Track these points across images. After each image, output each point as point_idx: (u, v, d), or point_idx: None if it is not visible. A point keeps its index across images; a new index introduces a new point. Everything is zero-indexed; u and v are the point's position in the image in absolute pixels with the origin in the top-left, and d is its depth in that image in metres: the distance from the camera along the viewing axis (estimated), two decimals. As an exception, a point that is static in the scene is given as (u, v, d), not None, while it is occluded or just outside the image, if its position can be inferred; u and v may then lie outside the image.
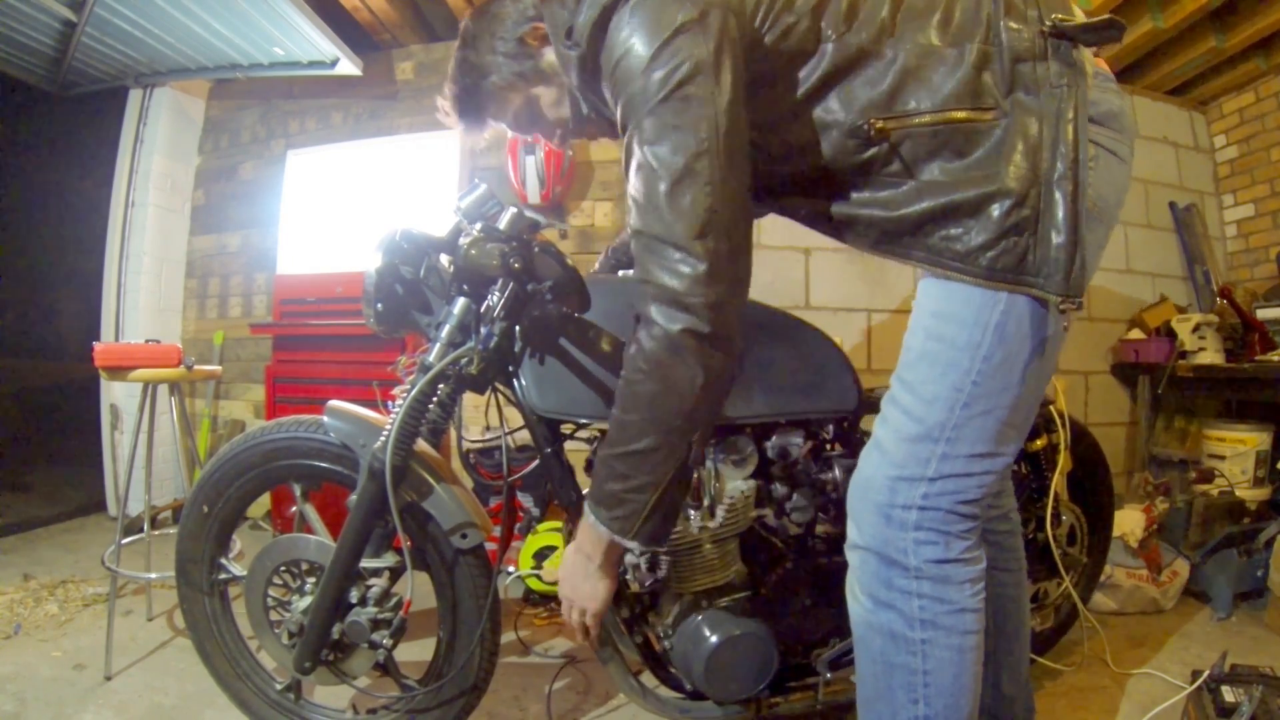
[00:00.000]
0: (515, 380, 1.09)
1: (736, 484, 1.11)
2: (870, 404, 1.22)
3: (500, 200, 1.10)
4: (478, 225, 1.06)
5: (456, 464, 2.03)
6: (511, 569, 2.08)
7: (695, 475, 0.92)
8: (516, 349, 1.07)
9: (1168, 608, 2.02)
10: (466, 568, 1.13)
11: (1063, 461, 1.43)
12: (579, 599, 1.01)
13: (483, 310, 1.03)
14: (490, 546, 1.30)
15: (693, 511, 1.10)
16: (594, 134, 1.11)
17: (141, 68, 3.00)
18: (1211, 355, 2.61)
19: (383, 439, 1.04)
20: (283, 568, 1.18)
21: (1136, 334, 2.93)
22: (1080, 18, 0.85)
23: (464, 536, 1.11)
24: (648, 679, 1.19)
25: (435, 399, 1.10)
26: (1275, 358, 2.42)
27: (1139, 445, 2.91)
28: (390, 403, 1.08)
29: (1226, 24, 2.68)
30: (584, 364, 1.07)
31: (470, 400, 1.21)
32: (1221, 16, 2.65)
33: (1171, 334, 2.75)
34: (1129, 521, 2.00)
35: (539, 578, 2.03)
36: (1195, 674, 1.43)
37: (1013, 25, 0.83)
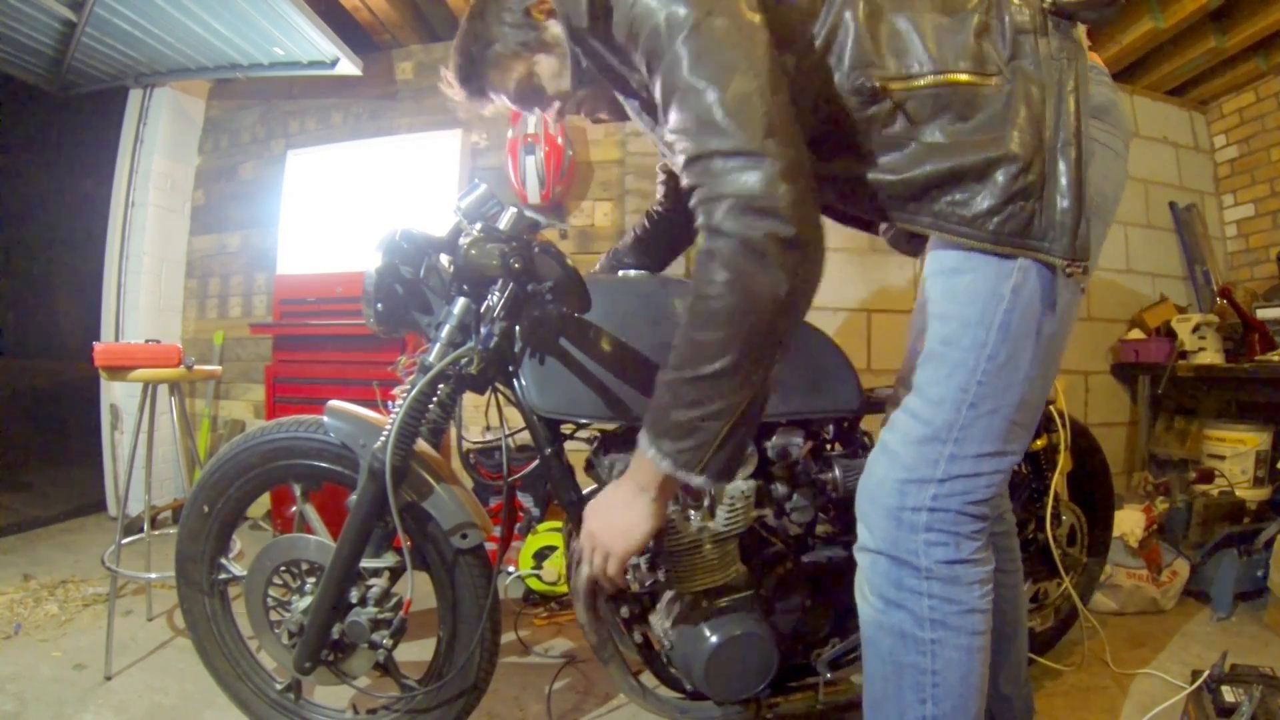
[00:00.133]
0: (515, 380, 1.09)
1: (736, 484, 1.11)
2: (870, 404, 1.22)
3: (500, 200, 1.10)
4: (478, 225, 1.06)
5: (456, 464, 2.03)
6: (511, 569, 2.08)
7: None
8: (516, 349, 1.07)
9: (1168, 608, 2.02)
10: (466, 568, 1.13)
11: (1063, 461, 1.43)
12: (608, 536, 0.92)
13: (483, 310, 1.03)
14: (490, 546, 1.30)
15: (693, 511, 1.10)
16: (591, 109, 1.10)
17: (141, 68, 2.99)
18: (1211, 355, 2.61)
19: (383, 439, 1.04)
20: (283, 568, 1.18)
21: (1136, 334, 2.93)
22: None
23: (464, 536, 1.11)
24: (648, 679, 1.18)
25: (435, 399, 1.10)
26: (1275, 358, 2.43)
27: (1139, 445, 2.91)
28: (390, 403, 1.08)
29: (1226, 24, 2.68)
30: (584, 364, 1.07)
31: (470, 400, 1.21)
32: (1221, 16, 2.65)
33: (1171, 334, 2.75)
34: (1129, 521, 2.00)
35: (539, 578, 2.03)
36: (1195, 674, 1.43)
37: (1014, 2, 0.85)
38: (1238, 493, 2.38)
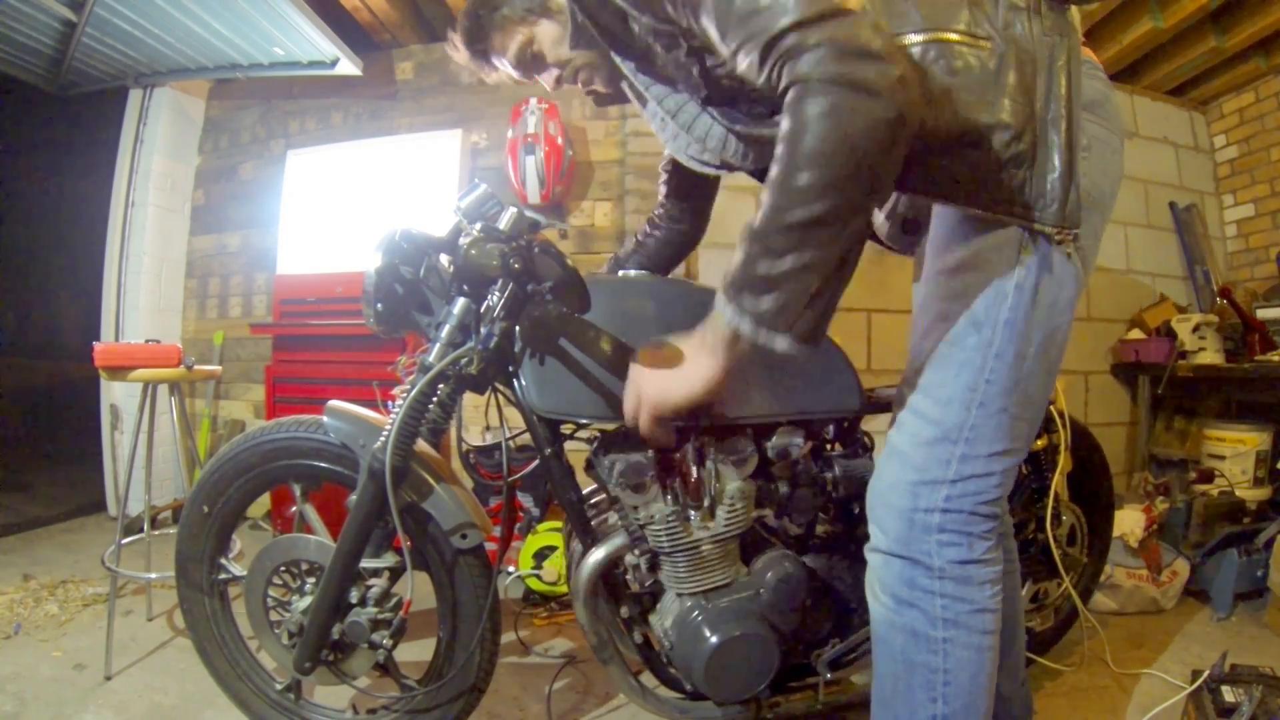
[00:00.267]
0: (515, 380, 1.09)
1: (737, 484, 1.11)
2: (870, 404, 1.22)
3: (500, 200, 1.10)
4: (478, 225, 1.06)
5: (456, 464, 2.03)
6: (511, 569, 2.08)
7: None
8: (516, 349, 1.07)
9: (1168, 608, 2.02)
10: (466, 568, 1.13)
11: (1063, 461, 1.43)
12: (651, 384, 0.88)
13: (483, 310, 1.03)
14: (490, 546, 1.30)
15: (693, 512, 1.10)
16: (588, 79, 1.11)
17: (141, 68, 3.00)
18: (1211, 355, 2.61)
19: (383, 439, 1.04)
20: (283, 568, 1.18)
21: (1136, 334, 2.93)
22: None
23: (464, 536, 1.11)
24: (648, 679, 1.18)
25: (435, 399, 1.10)
26: (1275, 358, 2.43)
27: (1139, 445, 2.91)
28: (390, 403, 1.08)
29: (1226, 24, 2.68)
30: (584, 364, 1.07)
31: (470, 400, 1.21)
32: (1221, 16, 2.65)
33: (1171, 334, 2.75)
34: (1129, 521, 2.00)
35: (539, 578, 2.03)
36: (1195, 674, 1.43)
37: None
38: (1238, 493, 2.38)
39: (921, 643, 0.88)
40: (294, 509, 1.22)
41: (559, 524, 2.04)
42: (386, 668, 1.15)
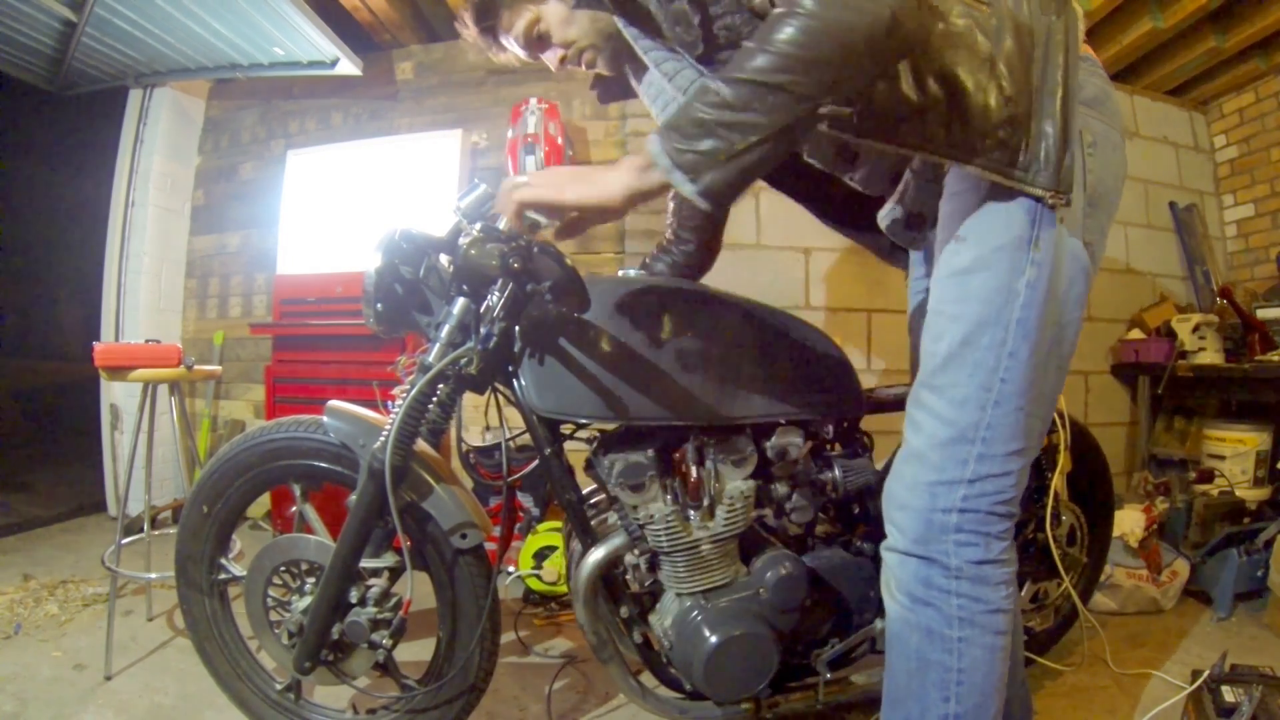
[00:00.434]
0: (515, 380, 1.09)
1: (736, 484, 1.11)
2: (870, 404, 1.22)
3: (500, 200, 1.10)
4: (478, 225, 1.06)
5: (456, 464, 2.03)
6: (511, 569, 2.08)
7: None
8: (516, 349, 1.07)
9: (1168, 608, 2.02)
10: (466, 568, 1.13)
11: (1063, 461, 1.43)
12: (554, 176, 0.88)
13: (482, 310, 1.03)
14: (490, 546, 1.30)
15: (692, 512, 1.10)
16: (591, 59, 1.13)
17: (141, 68, 2.99)
18: (1211, 355, 2.61)
19: (382, 439, 1.04)
20: (283, 568, 1.18)
21: (1136, 334, 2.93)
22: None
23: (464, 536, 1.11)
24: (647, 679, 1.19)
25: (435, 399, 1.10)
26: (1275, 358, 2.42)
27: (1139, 445, 2.91)
28: (390, 403, 1.08)
29: (1226, 24, 2.68)
30: (584, 364, 1.07)
31: (470, 400, 1.21)
32: (1221, 16, 2.65)
33: (1171, 334, 2.75)
34: (1129, 521, 2.00)
35: (539, 578, 2.03)
36: (1195, 674, 1.43)
37: None
38: (1238, 493, 2.38)
39: (936, 642, 0.88)
40: (294, 509, 1.22)
41: (559, 524, 2.04)
42: (386, 668, 1.15)
